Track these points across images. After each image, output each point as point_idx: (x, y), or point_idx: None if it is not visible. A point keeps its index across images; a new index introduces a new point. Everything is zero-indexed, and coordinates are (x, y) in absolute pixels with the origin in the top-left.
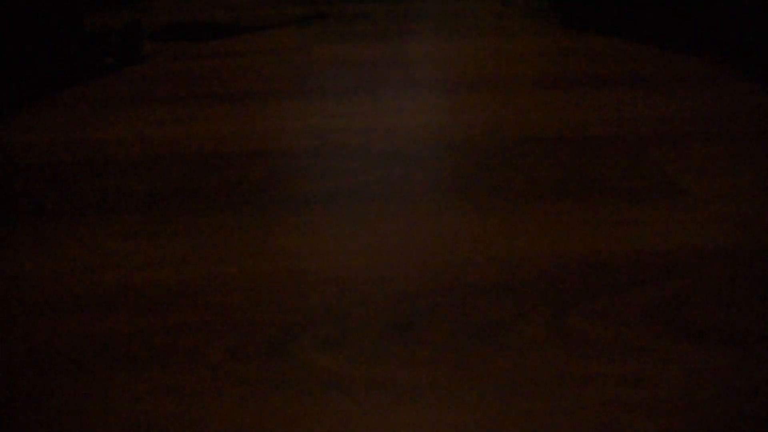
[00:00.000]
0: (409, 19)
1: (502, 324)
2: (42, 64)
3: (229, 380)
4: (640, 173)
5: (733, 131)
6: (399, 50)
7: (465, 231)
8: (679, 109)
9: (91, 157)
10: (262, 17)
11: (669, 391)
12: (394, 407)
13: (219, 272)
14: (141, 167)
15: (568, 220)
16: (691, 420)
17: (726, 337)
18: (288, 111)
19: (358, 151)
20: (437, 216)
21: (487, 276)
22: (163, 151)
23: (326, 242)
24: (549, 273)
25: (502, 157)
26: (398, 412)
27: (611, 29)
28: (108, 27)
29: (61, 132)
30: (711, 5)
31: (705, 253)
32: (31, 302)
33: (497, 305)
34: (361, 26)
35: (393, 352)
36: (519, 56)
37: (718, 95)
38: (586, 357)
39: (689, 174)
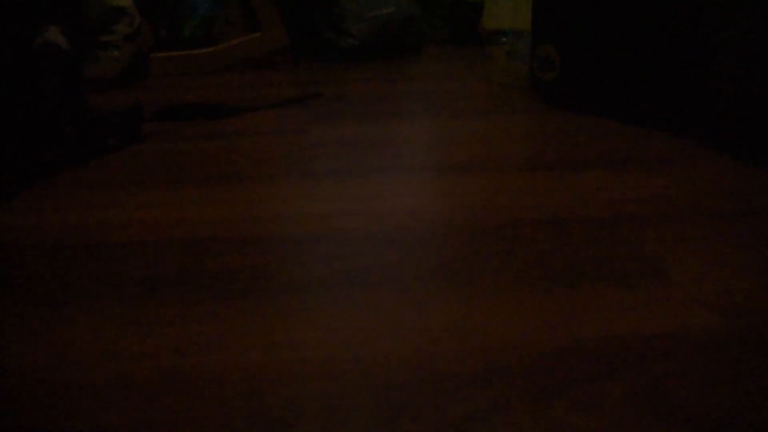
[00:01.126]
0: (402, 99)
1: (485, 414)
2: (43, 146)
3: None
4: (621, 256)
5: (713, 211)
6: (392, 131)
7: (451, 319)
8: (660, 189)
9: (88, 241)
10: (259, 98)
11: None
12: None
13: (213, 363)
14: (138, 252)
15: (551, 307)
16: None
17: (705, 423)
18: (284, 195)
19: (352, 237)
20: (425, 304)
21: (472, 366)
22: (161, 235)
23: (318, 332)
24: (532, 361)
25: (489, 242)
26: None
27: (594, 109)
28: (109, 109)
29: (58, 214)
30: (690, 86)
31: (684, 339)
32: (27, 393)
33: (481, 395)
34: (355, 107)
35: None
36: (506, 137)
37: (699, 175)
38: None
39: (669, 256)
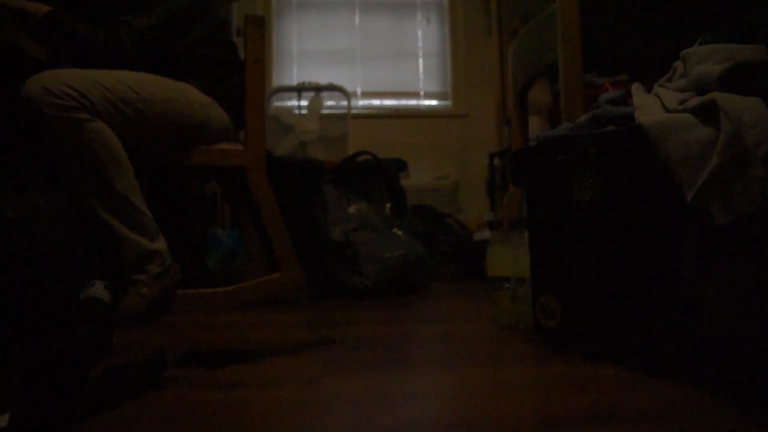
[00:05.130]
0: (410, 344)
1: None
2: (68, 392)
3: None
4: None
5: None
6: (401, 384)
7: None
8: None
9: None
10: (276, 340)
11: None
12: None
13: None
14: None
15: None
16: None
17: None
18: None
19: None
20: None
21: None
22: None
23: None
24: None
25: None
26: None
27: (597, 355)
28: (132, 358)
29: None
30: (687, 332)
31: None
32: None
33: None
34: (365, 353)
35: None
36: (513, 388)
37: (704, 427)
38: None
39: None
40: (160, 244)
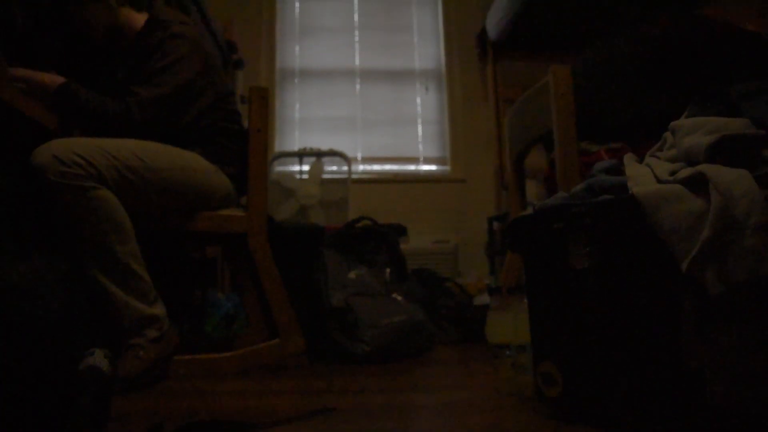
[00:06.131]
0: (410, 415)
1: None
2: None
3: None
4: None
5: None
6: None
7: None
8: None
9: None
10: (274, 408)
11: None
12: None
13: None
14: None
15: None
16: None
17: None
18: None
19: None
20: None
21: None
22: None
23: None
24: None
25: None
26: None
27: (601, 423)
28: (129, 429)
29: None
30: (690, 401)
31: None
32: None
33: None
34: (365, 425)
35: None
36: None
37: None
38: None
39: None
40: (159, 309)
